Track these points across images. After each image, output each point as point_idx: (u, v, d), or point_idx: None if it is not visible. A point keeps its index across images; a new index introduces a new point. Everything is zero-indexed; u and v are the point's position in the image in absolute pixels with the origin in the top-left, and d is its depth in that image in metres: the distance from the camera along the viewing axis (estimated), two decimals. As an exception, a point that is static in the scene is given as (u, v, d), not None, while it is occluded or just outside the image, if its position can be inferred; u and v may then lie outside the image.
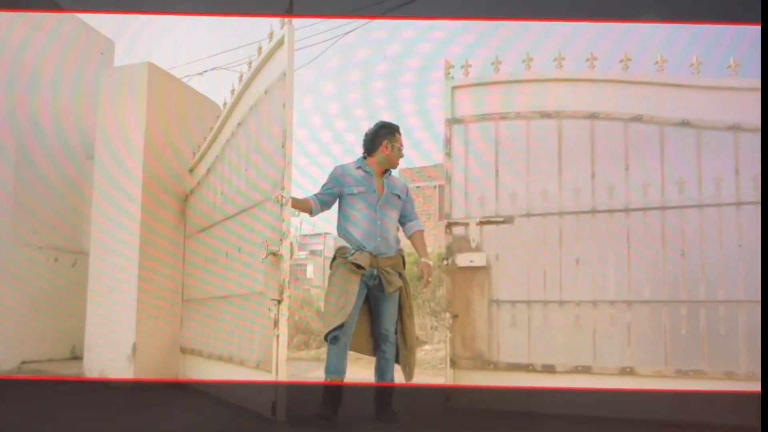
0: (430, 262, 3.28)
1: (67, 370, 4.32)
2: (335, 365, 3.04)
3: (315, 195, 3.24)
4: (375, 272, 3.13)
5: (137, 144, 4.14)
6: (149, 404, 3.60)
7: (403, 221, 3.35)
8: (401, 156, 3.26)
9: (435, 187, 16.76)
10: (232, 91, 3.97)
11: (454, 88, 3.71)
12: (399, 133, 3.26)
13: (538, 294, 3.49)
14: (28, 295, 4.49)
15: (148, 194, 4.16)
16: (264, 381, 3.15)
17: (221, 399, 3.63)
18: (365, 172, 3.23)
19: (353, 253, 3.11)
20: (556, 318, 3.45)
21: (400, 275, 3.21)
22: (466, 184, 3.67)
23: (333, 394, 3.02)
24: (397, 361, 3.22)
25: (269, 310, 3.07)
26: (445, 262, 3.67)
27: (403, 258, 3.26)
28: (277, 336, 3.04)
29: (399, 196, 3.28)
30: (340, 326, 2.98)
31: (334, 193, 3.23)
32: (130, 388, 4.00)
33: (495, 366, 3.51)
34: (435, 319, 6.98)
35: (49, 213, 4.69)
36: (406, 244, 3.38)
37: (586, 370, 3.37)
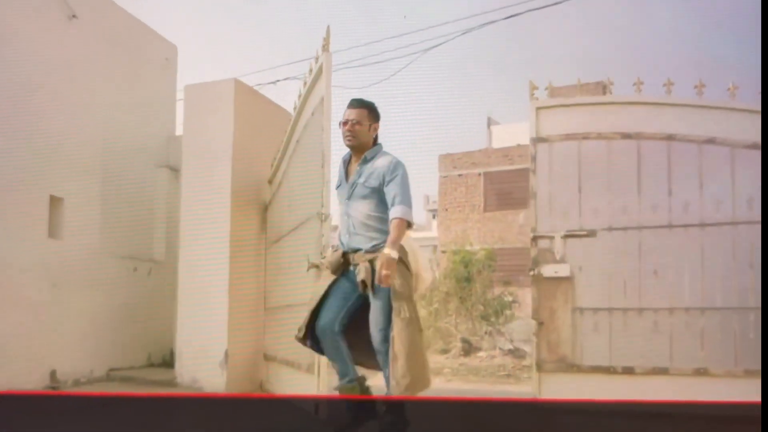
0: (392, 254, 2.79)
1: (153, 377, 4.90)
2: (339, 369, 2.97)
3: None
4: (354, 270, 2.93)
5: (225, 157, 4.62)
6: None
7: None
8: (346, 133, 3.02)
9: (480, 174, 15.33)
10: (294, 108, 4.37)
11: (538, 108, 4.29)
12: (347, 108, 3.04)
13: (618, 302, 4.10)
14: (113, 303, 4.94)
15: (236, 205, 4.63)
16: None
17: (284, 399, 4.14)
18: (344, 162, 3.13)
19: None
20: (636, 324, 4.07)
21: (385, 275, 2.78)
22: (550, 199, 4.25)
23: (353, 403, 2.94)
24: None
25: None
26: (531, 273, 4.30)
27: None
28: None
29: (364, 183, 2.97)
30: (310, 325, 2.94)
31: None
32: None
33: (578, 369, 4.14)
34: (487, 324, 7.38)
35: (127, 223, 5.17)
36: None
37: (663, 371, 4.01)
